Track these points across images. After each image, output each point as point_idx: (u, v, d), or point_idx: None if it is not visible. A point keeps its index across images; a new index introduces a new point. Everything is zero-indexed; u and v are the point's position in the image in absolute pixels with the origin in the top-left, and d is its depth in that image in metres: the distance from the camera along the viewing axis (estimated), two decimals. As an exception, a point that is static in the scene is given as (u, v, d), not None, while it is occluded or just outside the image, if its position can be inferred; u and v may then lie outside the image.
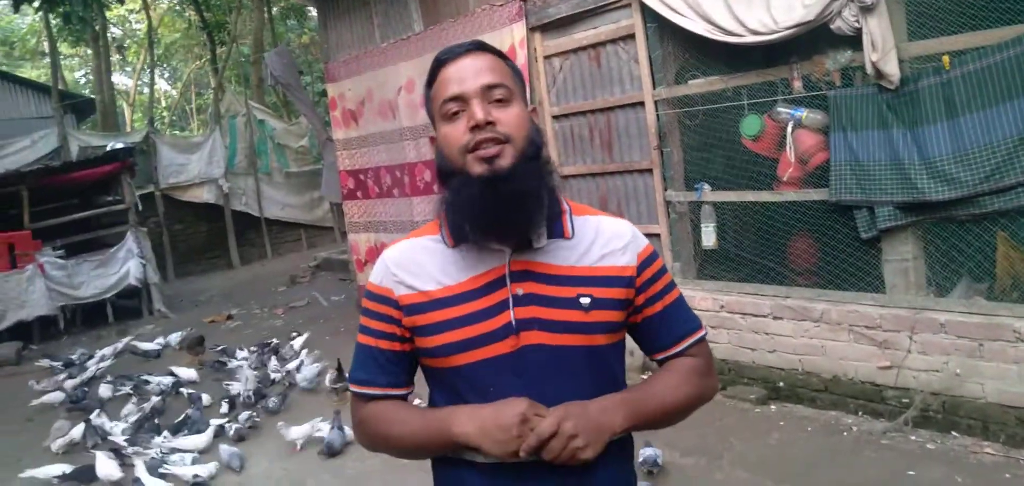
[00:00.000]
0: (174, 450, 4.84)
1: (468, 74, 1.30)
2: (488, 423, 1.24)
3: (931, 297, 3.89)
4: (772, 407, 4.45)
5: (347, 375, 1.47)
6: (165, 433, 5.14)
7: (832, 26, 3.84)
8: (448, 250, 1.36)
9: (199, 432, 5.05)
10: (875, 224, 3.96)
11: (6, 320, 9.21)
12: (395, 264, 1.39)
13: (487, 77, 1.30)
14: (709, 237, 4.76)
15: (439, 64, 1.35)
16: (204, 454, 4.82)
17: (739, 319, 4.65)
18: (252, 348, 7.40)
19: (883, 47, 3.67)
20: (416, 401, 1.47)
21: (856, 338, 4.09)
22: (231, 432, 5.05)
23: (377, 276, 1.41)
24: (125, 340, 8.63)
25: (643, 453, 3.75)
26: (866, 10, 3.68)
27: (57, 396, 6.57)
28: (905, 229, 3.91)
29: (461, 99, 1.30)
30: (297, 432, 4.74)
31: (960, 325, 3.69)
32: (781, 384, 4.47)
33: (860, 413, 4.12)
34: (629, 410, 1.31)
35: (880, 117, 3.84)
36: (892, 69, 3.69)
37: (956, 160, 3.60)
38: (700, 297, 4.77)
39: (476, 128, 1.27)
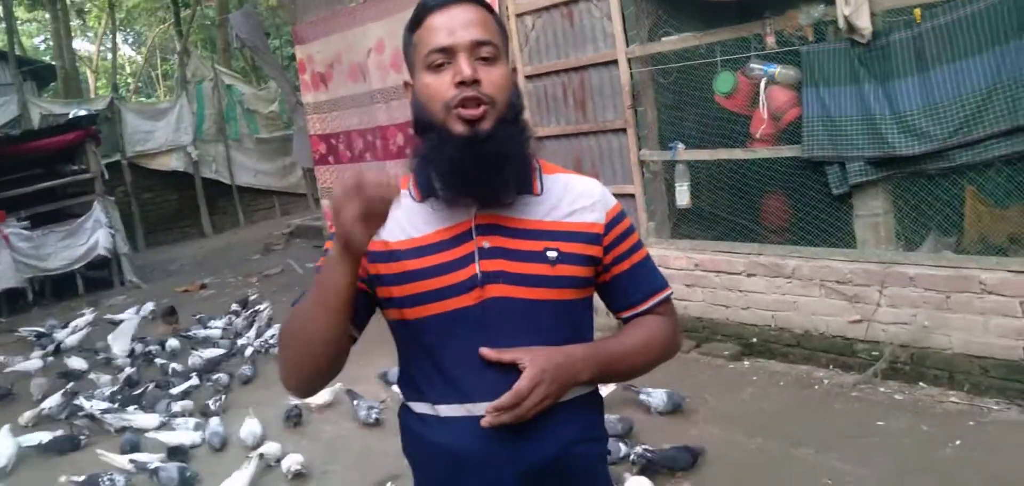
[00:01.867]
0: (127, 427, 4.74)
1: (458, 25, 1.26)
2: (334, 203, 1.16)
3: (900, 251, 3.95)
4: (745, 363, 4.51)
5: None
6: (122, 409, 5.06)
7: (805, -20, 3.83)
8: (415, 204, 1.34)
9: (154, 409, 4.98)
10: (846, 180, 4.00)
11: (-30, 292, 9.03)
12: None
13: (477, 32, 1.26)
14: (683, 196, 4.77)
15: (426, 9, 1.30)
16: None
17: (713, 277, 4.68)
18: (227, 315, 7.34)
19: (855, 1, 3.66)
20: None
21: (827, 293, 4.15)
22: (210, 406, 4.94)
23: None
24: (94, 312, 8.50)
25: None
26: (839, -36, 3.67)
27: (34, 364, 6.48)
28: (876, 184, 3.95)
29: (448, 51, 1.26)
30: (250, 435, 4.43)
31: (929, 278, 3.75)
32: (754, 340, 4.53)
33: (831, 367, 4.18)
34: (595, 362, 1.31)
35: (852, 72, 3.85)
36: (864, 23, 3.68)
37: (926, 114, 3.63)
38: (674, 256, 4.79)
39: (462, 84, 1.24)
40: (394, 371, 4.65)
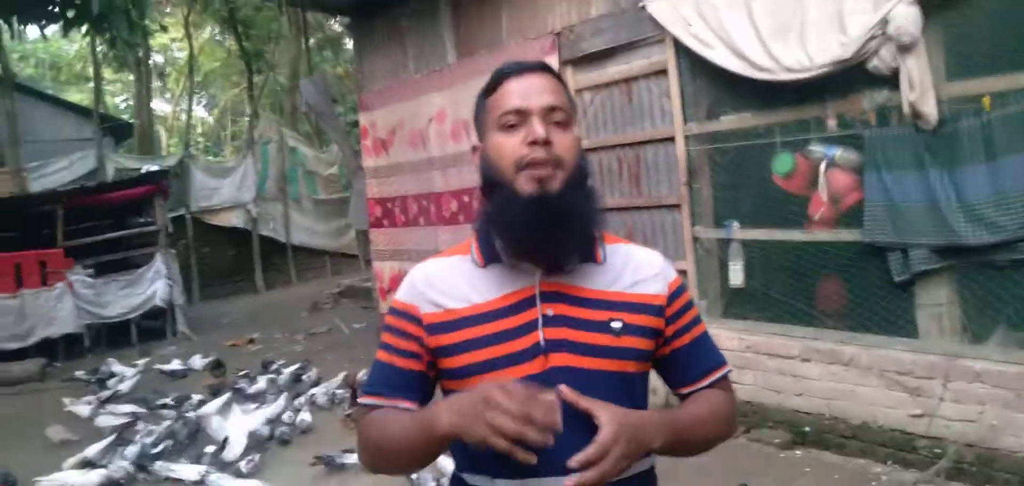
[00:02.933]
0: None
1: (532, 91, 1.30)
2: (463, 405, 1.17)
3: (966, 344, 3.78)
4: (797, 452, 4.32)
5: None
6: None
7: (869, 65, 3.81)
8: (478, 269, 1.35)
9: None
10: (909, 267, 3.88)
11: (33, 336, 9.27)
12: (423, 281, 1.37)
13: (550, 98, 1.30)
14: (737, 275, 4.69)
15: (503, 75, 1.35)
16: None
17: (766, 360, 4.54)
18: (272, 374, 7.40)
19: (921, 87, 3.63)
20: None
21: (887, 384, 3.98)
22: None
23: (404, 293, 1.39)
24: (146, 360, 8.70)
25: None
26: (904, 50, 3.65)
27: (86, 408, 6.62)
28: (940, 273, 3.82)
29: (522, 113, 1.29)
30: None
31: (997, 374, 3.57)
32: (808, 429, 4.35)
33: (889, 462, 3.98)
34: (667, 428, 1.27)
35: (916, 158, 3.78)
36: (930, 109, 3.64)
37: (995, 204, 3.52)
38: (726, 336, 4.68)
39: (534, 144, 1.26)
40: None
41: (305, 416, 5.71)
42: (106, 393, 7.30)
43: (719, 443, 1.41)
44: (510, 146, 1.28)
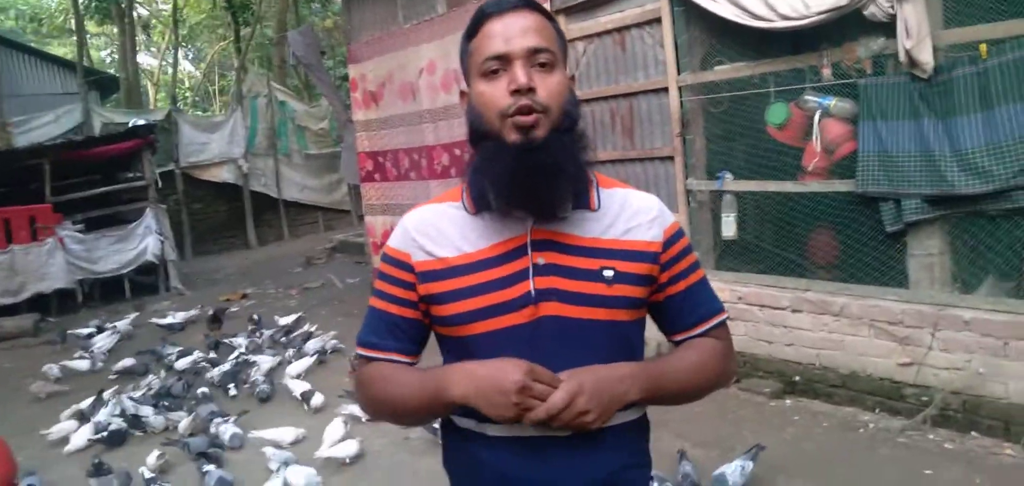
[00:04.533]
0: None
1: (515, 32, 1.24)
2: (485, 385, 1.18)
3: (956, 294, 3.81)
4: (787, 401, 4.38)
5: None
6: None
7: (865, 12, 3.77)
8: (469, 216, 1.32)
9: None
10: (901, 217, 3.88)
11: (25, 291, 9.26)
12: (415, 228, 1.35)
13: (533, 39, 1.24)
14: (729, 227, 4.69)
15: (484, 16, 1.28)
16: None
17: (757, 311, 4.57)
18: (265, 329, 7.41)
19: (918, 34, 3.58)
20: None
21: (876, 334, 4.01)
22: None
23: (396, 240, 1.37)
24: (142, 315, 8.70)
25: (682, 468, 3.56)
26: (900, -4, 3.60)
27: (83, 364, 6.64)
28: (932, 223, 3.83)
29: (505, 59, 1.24)
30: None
31: (985, 323, 3.60)
32: (797, 378, 4.39)
33: (878, 410, 4.03)
34: (644, 382, 1.25)
35: (911, 107, 3.76)
36: (926, 57, 3.60)
37: (989, 152, 3.51)
38: (718, 288, 4.62)
39: (517, 92, 1.21)
40: None
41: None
42: (101, 342, 7.31)
43: (713, 390, 1.39)
44: (493, 94, 1.25)
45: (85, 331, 7.93)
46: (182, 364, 6.22)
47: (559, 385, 1.17)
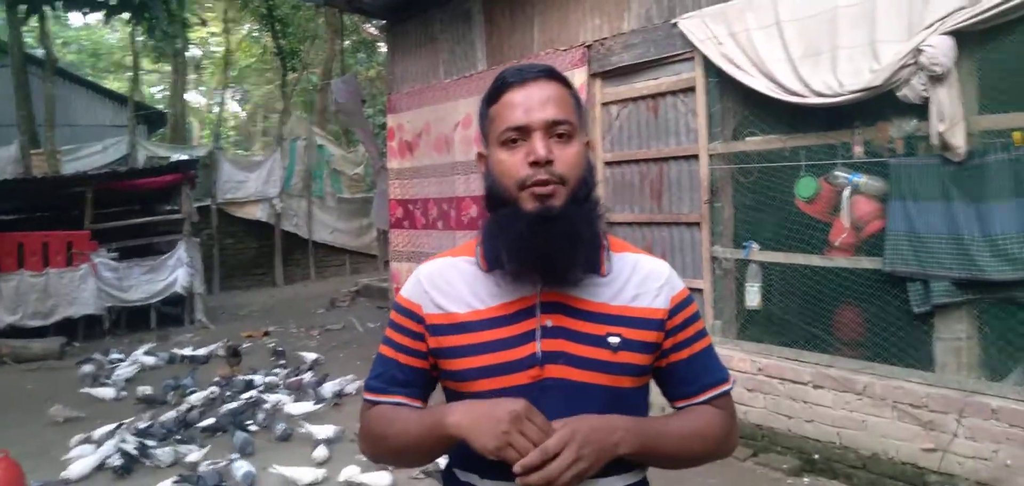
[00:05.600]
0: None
1: (535, 104, 1.26)
2: (479, 414, 1.19)
3: (983, 380, 3.71)
4: (805, 480, 4.26)
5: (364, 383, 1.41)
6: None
7: (899, 93, 3.79)
8: (481, 273, 1.34)
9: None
10: (929, 299, 3.83)
11: (56, 315, 9.40)
12: (428, 280, 1.37)
13: (553, 111, 1.26)
14: (753, 297, 4.66)
15: (505, 84, 1.31)
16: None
17: (777, 384, 4.50)
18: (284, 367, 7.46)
19: (951, 118, 3.59)
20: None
21: (900, 416, 3.92)
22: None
23: (409, 290, 1.39)
24: (165, 345, 8.80)
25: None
26: (936, 80, 3.62)
27: (108, 392, 6.72)
28: (960, 307, 3.77)
29: (524, 130, 1.26)
30: None
31: (1014, 413, 3.50)
32: (816, 456, 4.29)
33: (900, 496, 3.91)
34: (636, 438, 1.24)
35: (942, 189, 3.74)
36: (959, 141, 3.60)
37: (1020, 240, 3.47)
38: (739, 357, 4.65)
39: (535, 164, 1.24)
40: None
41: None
42: (122, 371, 7.42)
43: (710, 460, 1.37)
44: (512, 164, 1.26)
45: (117, 356, 8.07)
46: (197, 398, 6.24)
47: (552, 433, 1.16)
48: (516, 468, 1.15)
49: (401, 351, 1.36)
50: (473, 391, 1.28)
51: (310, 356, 7.63)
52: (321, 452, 4.82)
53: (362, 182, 15.02)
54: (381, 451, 1.36)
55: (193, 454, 4.88)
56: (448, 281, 1.35)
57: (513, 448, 1.14)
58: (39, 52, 14.72)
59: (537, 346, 1.26)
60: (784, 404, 4.47)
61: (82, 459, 4.79)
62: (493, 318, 1.29)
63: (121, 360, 8.04)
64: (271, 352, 7.80)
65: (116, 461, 4.78)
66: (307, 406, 5.87)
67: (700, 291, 4.91)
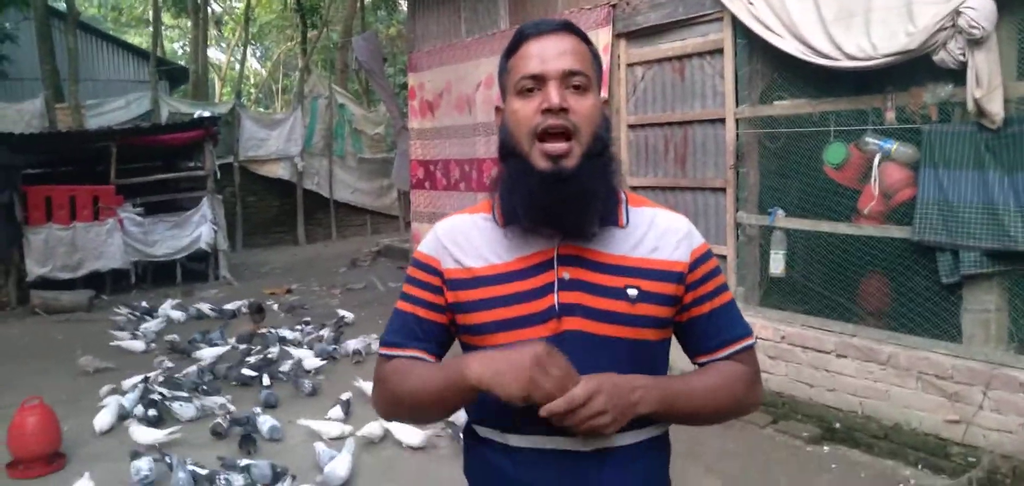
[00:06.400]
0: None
1: (551, 54, 1.27)
2: (501, 362, 1.18)
3: (1012, 353, 3.66)
4: (825, 448, 4.25)
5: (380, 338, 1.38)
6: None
7: (935, 57, 3.68)
8: (498, 228, 1.34)
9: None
10: (958, 269, 3.76)
11: (83, 268, 9.59)
12: (446, 236, 1.37)
13: (569, 61, 1.26)
14: (777, 264, 4.61)
15: (523, 36, 1.32)
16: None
17: (799, 352, 4.47)
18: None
19: (989, 84, 3.49)
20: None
21: (924, 387, 3.88)
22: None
23: (427, 246, 1.39)
24: (190, 299, 8.93)
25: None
26: (974, 44, 3.51)
27: (138, 344, 6.85)
28: (990, 278, 3.70)
29: (539, 79, 1.26)
30: None
31: (1042, 387, 3.46)
32: (837, 425, 4.27)
33: (920, 466, 3.89)
34: (661, 395, 1.24)
35: (977, 157, 3.65)
36: (996, 108, 3.50)
37: (1056, 211, 3.39)
38: (761, 324, 4.62)
39: (548, 111, 1.24)
40: None
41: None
42: (151, 324, 7.57)
43: (734, 415, 1.37)
44: (526, 113, 1.26)
45: (145, 306, 8.33)
46: (219, 351, 6.35)
47: (575, 376, 1.16)
48: (543, 412, 1.15)
49: (420, 305, 1.36)
50: (491, 344, 1.28)
51: (348, 315, 7.72)
52: (337, 412, 4.85)
53: (383, 142, 15.00)
54: (396, 406, 1.35)
55: (218, 400, 5.00)
56: (466, 237, 1.36)
57: (540, 389, 1.14)
58: (61, 6, 14.77)
59: (555, 298, 1.27)
60: (805, 372, 4.44)
61: (107, 410, 4.90)
62: (511, 272, 1.30)
63: (151, 313, 8.17)
64: (288, 309, 7.88)
65: (139, 411, 4.89)
66: (315, 362, 5.95)
67: (723, 257, 4.86)
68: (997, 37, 3.51)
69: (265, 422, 4.63)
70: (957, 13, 3.53)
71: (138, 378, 5.48)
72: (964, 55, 3.56)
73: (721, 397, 1.32)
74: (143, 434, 4.43)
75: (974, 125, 3.65)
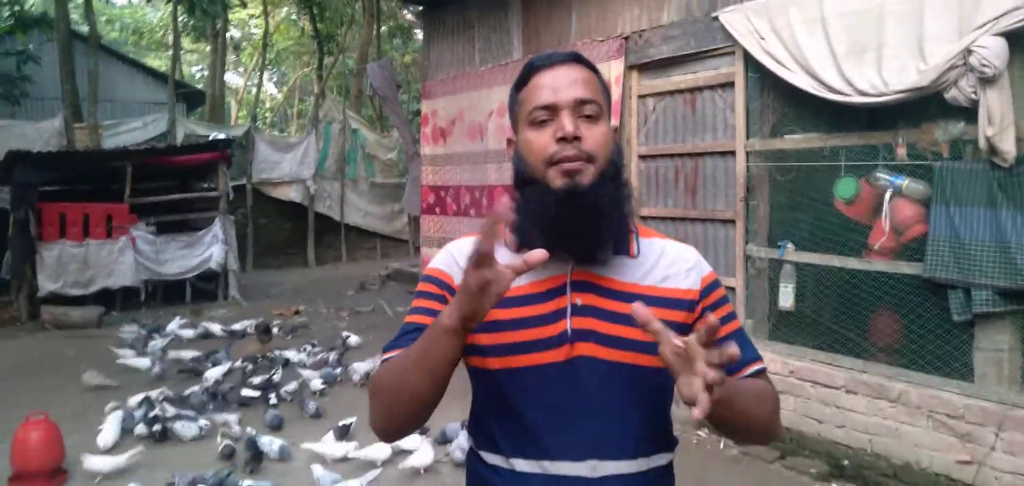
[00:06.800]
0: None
1: (562, 84, 1.28)
2: (458, 293, 1.12)
3: (1025, 394, 3.61)
4: (833, 485, 4.19)
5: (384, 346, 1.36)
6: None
7: (946, 95, 3.67)
8: (511, 254, 1.32)
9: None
10: (970, 307, 3.72)
11: (94, 285, 9.68)
12: (459, 253, 1.37)
13: (580, 90, 1.28)
14: (787, 298, 4.58)
15: (533, 69, 1.34)
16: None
17: (809, 387, 4.43)
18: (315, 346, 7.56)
19: (1001, 122, 3.48)
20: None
21: (935, 426, 3.83)
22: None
23: (439, 261, 1.39)
24: (199, 319, 8.97)
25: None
26: (986, 82, 3.51)
27: (144, 362, 6.86)
28: (1003, 317, 3.66)
29: (552, 109, 1.28)
30: None
31: (1056, 429, 3.41)
32: (846, 462, 4.21)
33: (932, 508, 3.83)
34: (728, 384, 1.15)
35: (989, 195, 3.63)
36: (1008, 146, 3.49)
37: (1069, 250, 3.36)
38: (769, 359, 4.57)
39: (563, 140, 1.25)
40: (452, 427, 4.63)
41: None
42: (158, 342, 7.59)
43: (763, 431, 1.30)
44: (540, 142, 1.28)
45: (152, 326, 8.32)
46: (223, 370, 6.35)
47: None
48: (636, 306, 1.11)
49: (428, 315, 1.31)
50: (501, 367, 1.28)
51: (353, 339, 7.73)
52: (330, 438, 4.76)
53: (395, 167, 15.11)
54: (388, 408, 1.27)
55: (227, 416, 4.99)
56: None
57: (484, 267, 1.08)
58: (84, 28, 15.01)
59: (567, 324, 1.26)
60: (815, 408, 4.39)
61: (110, 427, 4.89)
62: (524, 296, 1.29)
63: (158, 331, 8.20)
64: (290, 331, 7.89)
65: (142, 430, 4.88)
66: (320, 383, 5.96)
67: (733, 289, 4.84)
68: (1009, 76, 3.50)
69: (274, 443, 4.61)
70: (969, 51, 3.53)
71: (141, 397, 5.49)
72: (976, 93, 3.56)
73: (766, 405, 1.29)
74: (98, 462, 4.36)
75: (986, 163, 3.63)
